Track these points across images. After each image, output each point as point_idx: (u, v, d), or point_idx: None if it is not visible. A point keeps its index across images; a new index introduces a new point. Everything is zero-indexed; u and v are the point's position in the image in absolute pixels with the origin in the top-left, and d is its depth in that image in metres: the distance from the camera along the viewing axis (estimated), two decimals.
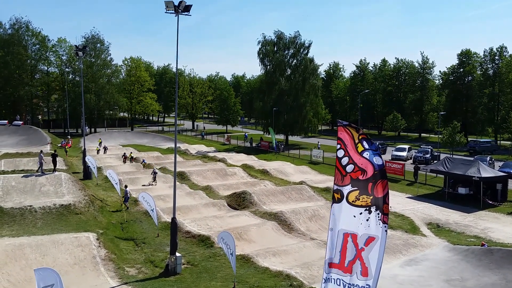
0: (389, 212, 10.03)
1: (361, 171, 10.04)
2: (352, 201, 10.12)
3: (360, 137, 10.16)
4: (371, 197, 9.89)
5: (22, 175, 31.52)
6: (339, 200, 10.32)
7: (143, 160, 47.16)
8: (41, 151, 35.94)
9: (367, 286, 9.85)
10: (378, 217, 9.82)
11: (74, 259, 19.36)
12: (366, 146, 10.10)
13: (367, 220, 9.91)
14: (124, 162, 47.35)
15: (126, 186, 29.77)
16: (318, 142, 67.11)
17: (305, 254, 20.96)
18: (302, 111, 67.30)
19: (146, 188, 33.43)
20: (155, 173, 37.08)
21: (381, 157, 10.06)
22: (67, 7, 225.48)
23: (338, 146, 10.45)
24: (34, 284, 11.34)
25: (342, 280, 10.13)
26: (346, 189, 10.23)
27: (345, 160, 10.29)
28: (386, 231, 9.83)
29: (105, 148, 54.15)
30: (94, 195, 29.88)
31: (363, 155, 10.06)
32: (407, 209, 30.12)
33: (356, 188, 10.09)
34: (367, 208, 9.93)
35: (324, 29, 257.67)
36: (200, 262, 20.06)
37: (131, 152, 51.35)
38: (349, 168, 10.21)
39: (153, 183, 36.02)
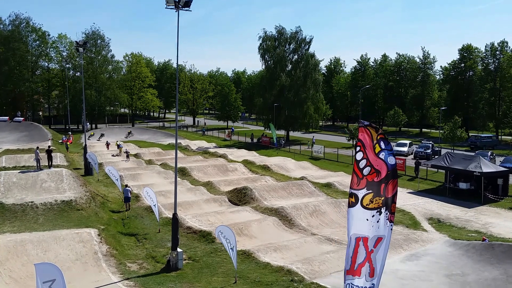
0: (395, 211, 10.00)
1: (376, 172, 9.94)
2: (366, 205, 10.01)
3: (378, 137, 10.05)
4: (383, 198, 9.83)
5: (23, 171, 31.56)
6: (353, 204, 10.19)
7: (120, 145, 51.57)
8: (37, 147, 35.89)
9: (372, 286, 9.85)
10: (386, 216, 9.80)
11: (75, 255, 19.40)
12: (383, 146, 9.99)
13: (378, 221, 9.86)
14: (108, 148, 53.64)
15: (127, 185, 29.16)
16: (313, 136, 67.21)
17: (306, 249, 20.99)
18: (303, 106, 67.15)
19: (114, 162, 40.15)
20: (127, 152, 47.21)
21: (394, 157, 9.97)
22: (67, 3, 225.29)
23: (358, 149, 10.28)
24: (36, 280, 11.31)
25: (351, 283, 10.06)
26: (361, 193, 10.09)
27: (363, 163, 10.15)
28: (391, 229, 9.81)
29: (108, 144, 54.23)
30: (95, 191, 29.91)
31: (380, 156, 9.97)
32: (408, 204, 30.13)
33: (370, 191, 9.97)
34: (378, 210, 9.87)
35: (325, 24, 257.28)
36: (202, 257, 20.10)
37: (116, 141, 54.91)
38: (366, 170, 10.08)
39: (126, 159, 45.19)
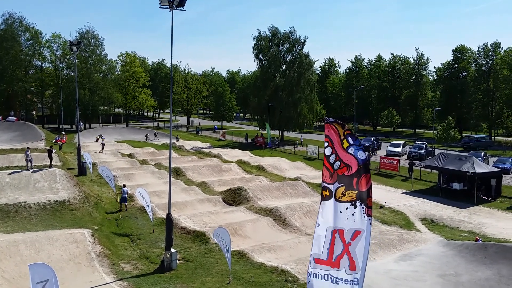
0: (372, 205, 10.24)
1: (347, 167, 10.22)
2: (339, 198, 10.31)
3: (345, 133, 10.33)
4: (356, 192, 10.09)
5: (16, 171, 31.37)
6: (328, 198, 10.49)
7: (101, 136, 56.88)
8: (28, 148, 35.71)
9: (355, 280, 9.95)
10: (363, 210, 10.03)
11: (69, 255, 19.31)
12: (351, 141, 10.26)
13: (353, 214, 10.11)
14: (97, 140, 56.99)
15: (124, 186, 28.71)
16: (301, 136, 67.43)
17: (300, 249, 20.97)
18: (297, 106, 67.26)
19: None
20: (103, 144, 50.62)
21: (364, 152, 10.25)
22: (61, 3, 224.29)
23: (326, 144, 10.58)
24: (29, 280, 11.26)
25: (330, 275, 10.23)
26: (334, 186, 10.39)
27: (332, 158, 10.45)
28: (370, 223, 10.03)
29: (103, 145, 53.48)
30: (89, 191, 29.78)
31: (348, 150, 10.25)
32: (401, 204, 30.23)
33: (342, 184, 10.28)
34: (353, 203, 10.12)
35: (320, 25, 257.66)
36: (196, 258, 20.06)
37: (100, 135, 58.78)
38: (336, 165, 10.38)
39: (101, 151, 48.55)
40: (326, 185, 10.50)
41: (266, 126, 63.38)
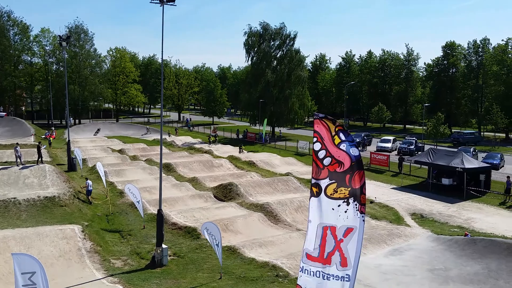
0: (366, 202, 10.09)
1: (339, 163, 9.99)
2: (331, 194, 10.09)
3: (336, 129, 10.10)
4: (349, 189, 9.90)
5: (6, 167, 31.13)
6: (318, 194, 10.28)
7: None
8: (17, 143, 35.43)
9: (347, 276, 9.92)
10: (356, 207, 9.86)
11: (59, 251, 19.22)
12: (343, 137, 10.03)
13: (346, 211, 9.92)
14: None
15: (86, 178, 29.66)
16: (280, 130, 67.67)
17: (291, 244, 21.05)
18: (288, 102, 67.24)
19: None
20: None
21: (357, 148, 10.03)
22: None
23: (315, 139, 10.35)
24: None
25: (321, 272, 10.14)
26: (324, 183, 10.18)
27: (322, 153, 10.22)
28: (363, 220, 9.88)
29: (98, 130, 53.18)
30: (79, 187, 29.62)
31: (340, 147, 10.01)
32: (391, 199, 30.43)
33: (334, 181, 10.05)
34: (345, 200, 9.93)
35: (311, 20, 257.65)
36: (187, 253, 20.07)
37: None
38: (327, 161, 10.14)
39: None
40: (316, 181, 10.33)
41: (264, 122, 63.04)
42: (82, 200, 27.12)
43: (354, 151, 9.94)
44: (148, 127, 73.22)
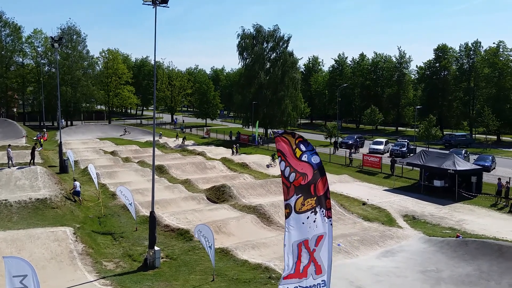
0: (331, 206, 10.18)
1: (302, 176, 10.03)
2: (299, 209, 10.10)
3: (297, 141, 10.12)
4: (315, 198, 9.98)
5: None
6: (289, 214, 10.25)
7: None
8: (9, 145, 35.21)
9: (323, 282, 10.04)
10: (323, 214, 9.99)
11: (50, 253, 19.11)
12: (303, 148, 10.08)
13: (314, 221, 10.02)
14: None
15: (74, 179, 29.64)
16: (269, 131, 67.93)
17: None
18: (281, 104, 67.30)
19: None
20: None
21: (317, 155, 10.08)
22: None
23: (279, 159, 10.32)
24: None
25: (299, 286, 10.17)
26: (292, 200, 10.16)
27: (287, 171, 10.20)
28: (331, 225, 10.03)
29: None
30: (71, 189, 29.44)
31: (302, 158, 10.05)
32: (383, 201, 30.53)
33: (300, 195, 10.07)
34: (313, 210, 10.01)
35: (304, 23, 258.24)
36: (179, 255, 20.02)
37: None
38: (292, 177, 10.13)
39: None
40: (286, 202, 10.26)
41: (256, 124, 63.17)
42: (74, 201, 26.98)
43: (315, 159, 10.00)
44: (126, 127, 72.86)
